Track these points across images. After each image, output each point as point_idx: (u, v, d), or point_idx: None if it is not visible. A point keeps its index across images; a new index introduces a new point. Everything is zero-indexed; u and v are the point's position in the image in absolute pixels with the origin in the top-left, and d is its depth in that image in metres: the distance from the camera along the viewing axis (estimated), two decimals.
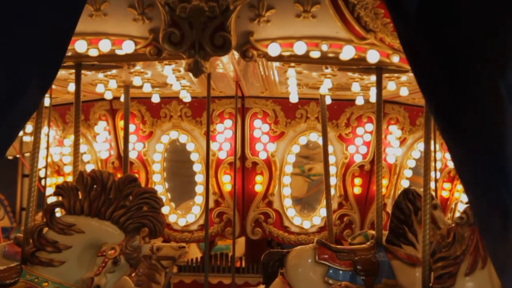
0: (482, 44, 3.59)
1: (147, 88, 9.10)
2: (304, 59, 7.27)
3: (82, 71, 7.80)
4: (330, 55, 7.14)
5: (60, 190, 6.49)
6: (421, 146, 9.95)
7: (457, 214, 9.36)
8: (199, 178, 10.16)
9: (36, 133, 7.50)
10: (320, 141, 9.83)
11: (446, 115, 3.77)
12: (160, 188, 10.14)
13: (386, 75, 7.92)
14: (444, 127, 3.76)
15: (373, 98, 8.63)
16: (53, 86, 8.38)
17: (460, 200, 10.80)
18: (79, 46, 7.02)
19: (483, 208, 3.71)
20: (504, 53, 3.54)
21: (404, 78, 8.19)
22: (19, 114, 3.96)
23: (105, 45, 7.07)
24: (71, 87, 8.53)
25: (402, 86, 8.60)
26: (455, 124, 3.73)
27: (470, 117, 3.71)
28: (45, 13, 3.93)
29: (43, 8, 3.92)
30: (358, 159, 10.22)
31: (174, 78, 8.68)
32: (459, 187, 10.69)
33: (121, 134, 10.07)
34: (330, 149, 9.89)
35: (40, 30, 3.93)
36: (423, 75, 3.80)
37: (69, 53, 7.15)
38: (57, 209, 6.60)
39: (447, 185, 10.72)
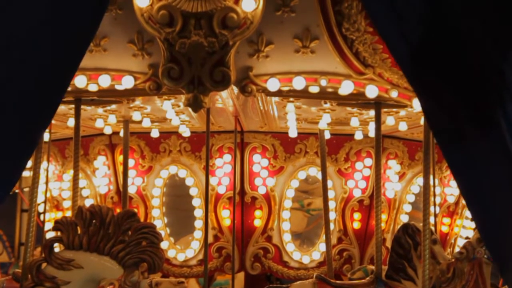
0: (482, 72, 3.63)
1: (146, 123, 9.12)
2: (303, 94, 7.28)
3: (82, 106, 7.83)
4: (329, 90, 7.16)
5: (59, 225, 6.48)
6: (420, 180, 9.93)
7: (457, 249, 9.35)
8: (198, 212, 10.14)
9: (35, 168, 7.50)
10: (319, 176, 9.84)
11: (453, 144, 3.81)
12: (159, 223, 10.12)
13: (385, 110, 7.95)
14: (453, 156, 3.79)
15: (372, 133, 8.64)
16: (53, 121, 8.39)
17: (459, 235, 10.78)
18: (79, 81, 7.05)
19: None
20: (502, 83, 3.57)
21: (403, 113, 8.21)
22: (22, 150, 3.98)
23: (104, 80, 7.09)
24: (71, 122, 8.55)
25: (401, 120, 8.62)
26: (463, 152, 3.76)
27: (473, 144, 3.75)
28: (47, 51, 3.96)
29: (46, 47, 3.95)
30: (357, 193, 10.21)
31: (174, 113, 8.70)
32: (459, 222, 10.68)
33: (120, 169, 10.07)
34: (329, 183, 9.89)
35: (42, 67, 3.96)
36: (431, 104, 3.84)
37: (68, 88, 7.17)
38: (56, 244, 6.58)
39: (446, 220, 10.70)
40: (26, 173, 10.59)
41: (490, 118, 3.65)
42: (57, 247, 6.61)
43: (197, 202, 10.16)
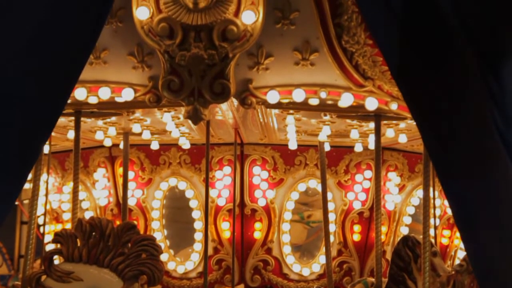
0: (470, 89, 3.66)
1: (146, 135, 9.12)
2: (303, 106, 7.29)
3: (82, 118, 7.83)
4: (329, 102, 7.16)
5: (58, 237, 6.48)
6: (420, 193, 9.93)
7: (457, 261, 9.34)
8: (198, 225, 10.13)
9: (35, 180, 7.50)
10: (319, 188, 9.82)
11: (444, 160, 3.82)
12: (159, 235, 10.11)
13: (385, 122, 7.94)
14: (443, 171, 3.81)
15: (372, 145, 8.63)
16: (53, 133, 8.39)
17: (459, 247, 10.76)
18: (79, 93, 7.05)
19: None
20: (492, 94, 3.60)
21: (402, 125, 8.21)
22: (21, 165, 3.97)
23: (104, 93, 7.09)
24: (71, 134, 8.55)
25: (401, 133, 8.62)
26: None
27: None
28: (47, 61, 3.95)
29: (45, 57, 3.94)
30: (357, 206, 10.21)
31: (173, 125, 8.70)
32: (459, 234, 10.66)
33: (120, 181, 10.07)
34: (329, 196, 9.88)
35: (42, 79, 3.95)
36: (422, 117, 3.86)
37: (68, 101, 7.16)
38: (56, 257, 6.57)
39: (446, 232, 10.69)
40: (26, 185, 10.55)
41: (483, 127, 3.67)
42: (56, 259, 6.60)
43: (197, 214, 10.15)
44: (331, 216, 9.96)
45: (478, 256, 3.80)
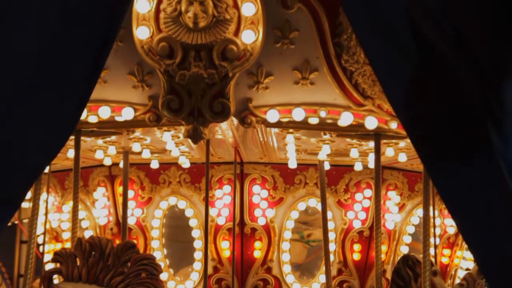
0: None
1: (146, 154, 9.12)
2: (302, 125, 7.30)
3: (82, 137, 7.84)
4: (329, 121, 7.17)
5: (58, 256, 6.47)
6: (420, 212, 9.93)
7: (457, 281, 9.32)
8: (198, 244, 10.12)
9: (35, 199, 7.50)
10: (319, 207, 9.82)
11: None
12: (159, 254, 10.09)
13: (385, 141, 7.95)
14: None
15: (371, 164, 8.64)
16: None
17: (460, 266, 10.76)
18: None
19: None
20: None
21: (402, 144, 8.22)
22: (25, 180, 3.97)
23: (104, 112, 7.11)
24: (71, 153, 8.56)
25: (401, 152, 8.63)
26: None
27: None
28: (57, 84, 3.95)
29: (58, 78, 3.94)
30: (357, 225, 10.20)
31: (173, 144, 8.71)
32: (459, 253, 10.67)
33: (120, 200, 10.06)
34: (329, 215, 9.87)
35: (54, 101, 3.95)
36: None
37: None
38: (55, 276, 6.56)
39: (446, 251, 10.68)
40: (25, 204, 10.57)
41: (480, 142, 3.69)
42: (56, 279, 6.59)
43: (196, 233, 10.14)
44: (331, 235, 9.95)
45: (487, 261, 3.82)
